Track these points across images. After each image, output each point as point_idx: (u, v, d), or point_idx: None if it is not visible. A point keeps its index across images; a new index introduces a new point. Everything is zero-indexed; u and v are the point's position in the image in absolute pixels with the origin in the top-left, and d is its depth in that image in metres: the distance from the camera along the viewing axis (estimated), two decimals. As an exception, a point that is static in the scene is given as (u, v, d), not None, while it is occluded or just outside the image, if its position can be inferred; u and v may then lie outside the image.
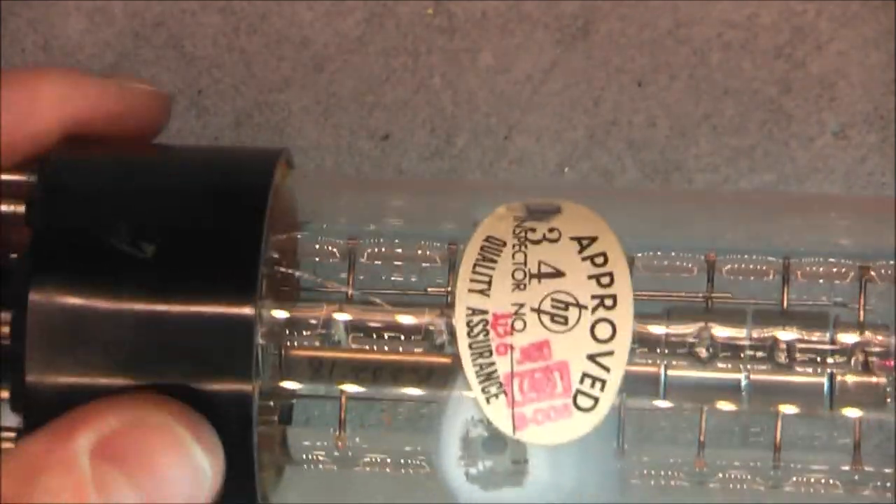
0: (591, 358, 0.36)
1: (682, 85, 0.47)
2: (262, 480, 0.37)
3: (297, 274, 0.39)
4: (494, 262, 0.36)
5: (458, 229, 0.38)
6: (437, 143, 0.48)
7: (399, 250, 0.39)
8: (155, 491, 0.34)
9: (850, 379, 0.37)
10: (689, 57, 0.47)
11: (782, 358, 0.37)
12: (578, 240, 0.37)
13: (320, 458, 0.39)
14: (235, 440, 0.36)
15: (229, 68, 0.48)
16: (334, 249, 0.39)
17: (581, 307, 0.36)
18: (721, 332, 0.38)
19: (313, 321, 0.38)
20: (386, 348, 0.38)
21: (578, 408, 0.36)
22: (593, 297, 0.36)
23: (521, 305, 0.36)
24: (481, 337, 0.36)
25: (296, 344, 0.38)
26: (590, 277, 0.36)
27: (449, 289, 0.38)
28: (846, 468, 0.38)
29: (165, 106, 0.40)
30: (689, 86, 0.47)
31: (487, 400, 0.36)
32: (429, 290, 0.39)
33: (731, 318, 0.38)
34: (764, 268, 0.38)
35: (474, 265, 0.36)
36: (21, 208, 0.37)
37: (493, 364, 0.36)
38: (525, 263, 0.36)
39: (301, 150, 0.48)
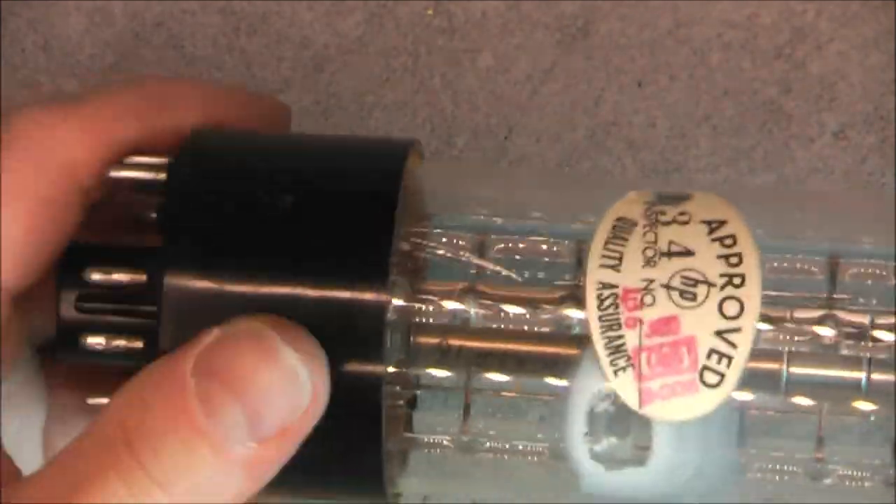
0: (719, 334, 0.36)
1: (682, 85, 0.47)
2: (389, 465, 0.37)
3: (427, 255, 0.39)
4: (625, 240, 0.37)
5: (586, 227, 0.39)
6: (437, 144, 0.48)
7: (528, 245, 0.39)
8: (253, 395, 0.35)
9: None
10: (689, 57, 0.47)
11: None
12: (708, 223, 0.37)
13: (445, 443, 0.39)
14: (364, 423, 0.36)
15: (229, 68, 0.48)
16: (462, 242, 0.39)
17: (710, 284, 0.36)
18: (846, 317, 0.38)
19: (443, 299, 0.38)
20: (513, 330, 0.38)
21: (705, 384, 0.36)
22: (722, 275, 0.36)
23: (651, 281, 0.36)
24: (611, 310, 0.36)
25: (424, 326, 0.38)
26: (719, 257, 0.37)
27: (577, 283, 0.38)
28: None
29: (286, 115, 0.42)
30: (689, 86, 0.47)
31: (615, 373, 0.36)
32: (556, 284, 0.39)
33: (853, 313, 0.38)
34: (885, 273, 0.39)
35: (606, 242, 0.37)
36: (162, 176, 0.38)
37: (621, 337, 0.36)
38: (655, 242, 0.37)
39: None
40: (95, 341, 0.38)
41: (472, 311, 0.38)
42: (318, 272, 0.36)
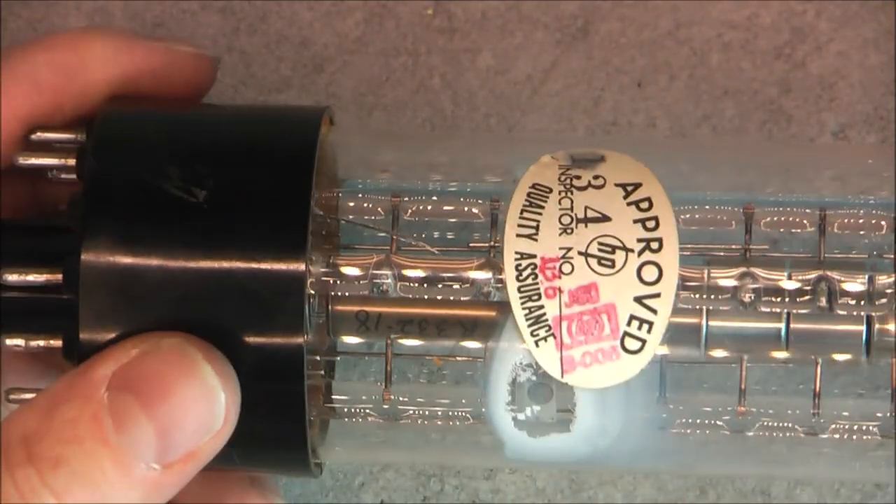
0: (639, 300, 0.36)
1: (682, 85, 0.47)
2: (309, 433, 0.37)
3: (344, 221, 0.39)
4: (541, 207, 0.37)
5: (499, 184, 0.39)
6: (437, 144, 0.48)
7: (441, 207, 0.39)
8: (168, 414, 0.34)
9: (890, 326, 0.38)
10: (689, 57, 0.47)
11: (823, 302, 0.37)
12: (623, 186, 0.37)
13: (367, 411, 0.39)
14: (285, 393, 0.36)
15: (229, 68, 0.48)
16: (376, 206, 0.39)
17: (627, 250, 0.36)
18: (763, 274, 0.38)
19: (360, 272, 0.38)
20: (431, 298, 0.38)
21: (626, 350, 0.36)
22: (639, 240, 0.37)
23: (569, 249, 0.36)
24: (530, 280, 0.36)
25: (342, 297, 0.38)
26: (635, 221, 0.37)
27: (492, 244, 0.38)
28: (883, 415, 0.39)
29: (211, 66, 0.41)
30: (689, 86, 0.47)
31: (536, 343, 0.36)
32: (471, 245, 0.39)
33: (770, 266, 0.38)
34: (800, 220, 0.39)
35: (521, 211, 0.37)
36: (71, 162, 0.38)
37: (541, 307, 0.36)
38: (571, 209, 0.37)
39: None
40: (14, 343, 0.37)
41: (390, 280, 0.38)
42: (236, 246, 0.36)
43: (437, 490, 0.47)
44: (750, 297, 0.38)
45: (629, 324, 0.36)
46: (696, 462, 0.41)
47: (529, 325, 0.36)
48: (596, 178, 0.37)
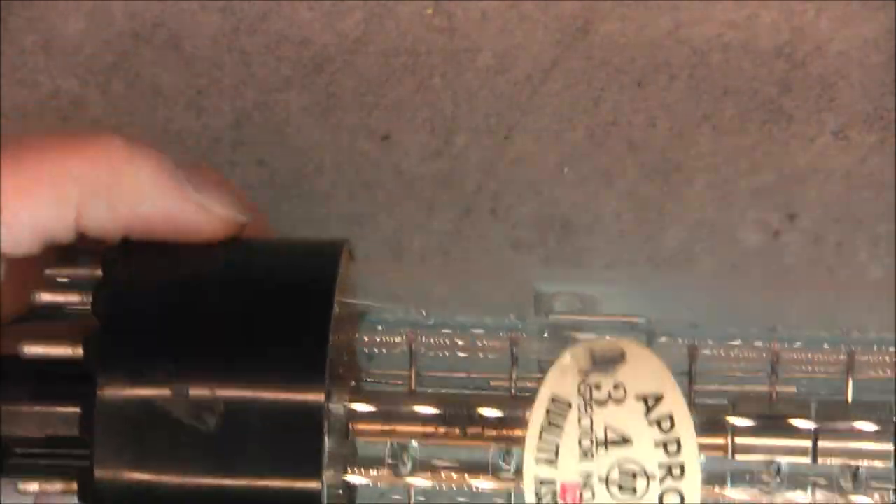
0: None
1: (682, 85, 0.47)
2: None
3: (361, 364, 0.39)
4: (560, 427, 0.37)
5: (518, 315, 0.39)
6: (437, 144, 0.48)
7: (459, 341, 0.39)
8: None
9: None
10: (689, 57, 0.47)
11: (847, 484, 0.37)
12: (644, 400, 0.37)
13: None
14: None
15: (229, 68, 0.48)
16: (393, 340, 0.39)
17: (649, 477, 0.36)
18: (786, 459, 0.38)
19: (380, 413, 0.38)
20: (454, 477, 0.38)
21: None
22: (661, 465, 0.36)
23: (590, 475, 0.36)
24: None
25: (363, 436, 0.38)
26: (657, 445, 0.36)
27: (511, 381, 0.38)
28: None
29: (238, 228, 0.38)
30: (689, 86, 0.47)
31: None
32: (492, 383, 0.39)
33: (795, 410, 0.38)
34: (827, 357, 0.38)
35: (541, 432, 0.37)
36: (88, 299, 0.37)
37: None
38: (591, 430, 0.36)
39: (301, 151, 0.48)
40: (30, 487, 0.37)
41: (409, 459, 0.38)
42: (255, 379, 0.35)
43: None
44: (774, 481, 0.38)
45: None
46: None
47: None
48: (616, 387, 0.37)
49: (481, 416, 0.38)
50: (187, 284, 0.37)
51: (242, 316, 0.36)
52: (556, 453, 0.36)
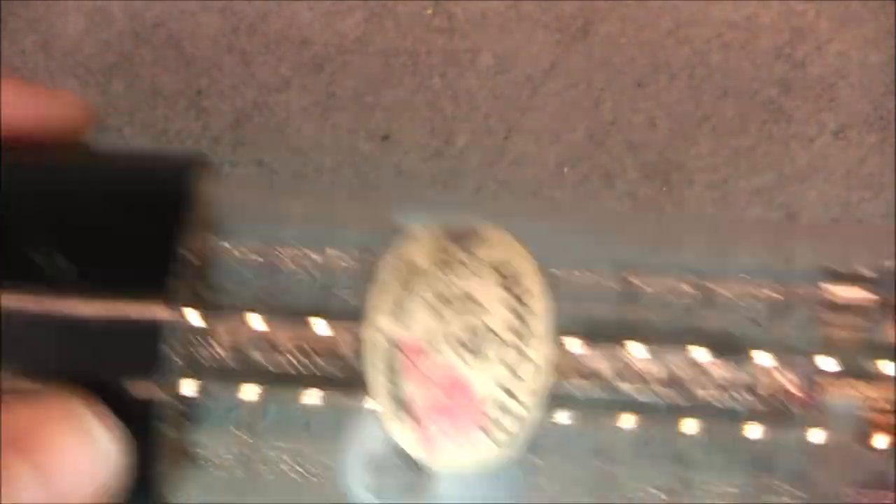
0: (507, 390, 0.35)
1: (682, 85, 0.47)
2: (166, 480, 0.37)
3: (212, 277, 0.39)
4: (410, 289, 0.36)
5: (373, 236, 0.38)
6: (437, 144, 0.48)
7: (314, 257, 0.39)
8: (57, 472, 0.34)
9: (762, 405, 0.37)
10: (689, 57, 0.47)
11: (696, 383, 0.37)
12: (498, 270, 0.36)
13: (224, 459, 0.39)
14: (143, 440, 0.36)
15: (229, 68, 0.48)
16: (247, 256, 0.39)
17: (499, 340, 0.36)
18: (636, 351, 0.37)
19: (226, 326, 0.38)
20: (296, 361, 0.38)
21: (490, 437, 0.35)
22: (511, 330, 0.36)
23: (436, 335, 0.36)
24: (394, 363, 0.36)
25: (207, 347, 0.38)
26: (509, 310, 0.36)
27: (364, 301, 0.37)
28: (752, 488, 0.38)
29: (87, 111, 0.40)
30: (689, 86, 0.47)
31: (398, 425, 0.36)
32: (343, 296, 0.38)
33: (646, 337, 0.37)
34: (681, 287, 0.38)
35: (389, 290, 0.36)
36: None
37: (404, 390, 0.35)
38: (442, 293, 0.36)
39: (301, 151, 0.48)
40: None
41: (256, 334, 0.38)
42: (103, 294, 0.36)
43: (437, 490, 0.47)
44: (620, 378, 0.37)
45: (494, 411, 0.35)
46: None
47: (390, 404, 0.36)
48: (470, 257, 0.36)
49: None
50: (39, 193, 0.37)
51: (92, 225, 0.37)
52: (404, 310, 0.36)
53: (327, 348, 0.37)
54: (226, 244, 0.39)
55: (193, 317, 0.37)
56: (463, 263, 0.36)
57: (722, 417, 0.37)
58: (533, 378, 0.35)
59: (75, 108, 0.40)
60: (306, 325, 0.37)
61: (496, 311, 0.36)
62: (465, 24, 0.47)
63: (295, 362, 0.38)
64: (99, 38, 0.48)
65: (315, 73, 0.48)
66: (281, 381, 0.38)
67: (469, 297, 0.36)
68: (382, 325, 0.36)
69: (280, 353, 0.38)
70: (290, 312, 0.37)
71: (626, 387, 0.37)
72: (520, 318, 0.36)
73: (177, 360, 0.36)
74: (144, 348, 0.36)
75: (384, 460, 0.37)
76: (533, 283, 0.36)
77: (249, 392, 0.38)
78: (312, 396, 0.38)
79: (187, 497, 0.39)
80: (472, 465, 0.36)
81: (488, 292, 0.36)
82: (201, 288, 0.38)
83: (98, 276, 0.36)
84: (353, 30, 0.48)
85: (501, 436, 0.35)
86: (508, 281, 0.36)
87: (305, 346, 0.38)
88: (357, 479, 0.37)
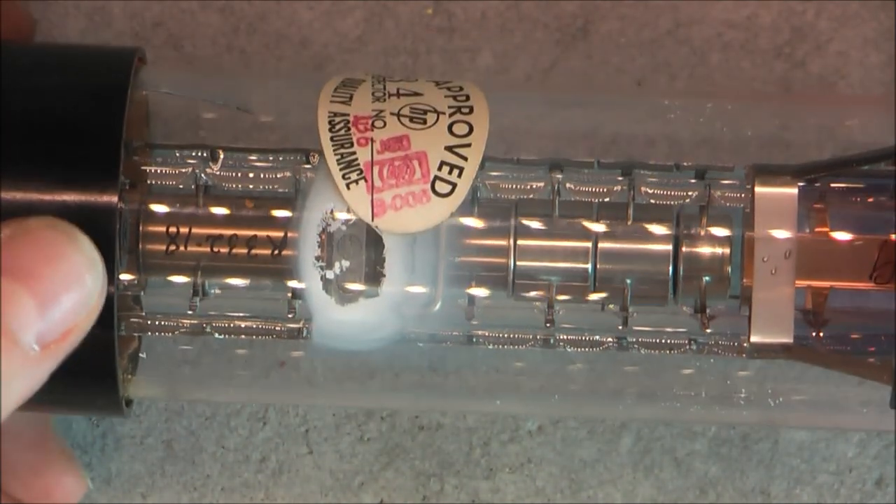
0: (449, 149, 0.38)
1: (682, 85, 0.47)
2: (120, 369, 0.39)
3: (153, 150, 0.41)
4: (354, 87, 0.39)
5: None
6: (436, 143, 0.48)
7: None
8: (48, 290, 0.34)
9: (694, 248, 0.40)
10: (689, 57, 0.47)
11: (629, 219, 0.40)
12: (437, 82, 0.40)
13: (178, 323, 0.40)
14: (97, 329, 0.37)
15: (229, 68, 0.48)
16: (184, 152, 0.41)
17: (439, 113, 0.39)
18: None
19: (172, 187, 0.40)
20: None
21: (437, 193, 0.38)
22: (451, 107, 0.39)
23: (382, 111, 0.39)
24: (342, 132, 0.38)
25: (151, 220, 0.40)
26: (447, 96, 0.39)
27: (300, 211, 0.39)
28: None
29: (29, 23, 0.42)
30: (689, 86, 0.47)
31: (348, 186, 0.38)
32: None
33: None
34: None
35: (335, 89, 0.39)
36: None
37: (353, 154, 0.38)
38: (384, 89, 0.39)
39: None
40: None
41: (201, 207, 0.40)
42: (48, 177, 0.37)
43: (437, 490, 0.47)
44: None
45: (440, 169, 0.38)
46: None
47: (342, 169, 0.38)
48: (409, 79, 0.40)
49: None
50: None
51: (38, 117, 0.38)
52: (350, 98, 0.39)
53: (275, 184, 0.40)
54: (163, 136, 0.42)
55: (135, 201, 0.39)
56: (402, 78, 0.41)
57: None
58: (473, 137, 0.39)
59: (19, 18, 0.42)
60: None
61: (436, 97, 0.39)
62: (465, 23, 0.47)
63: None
64: (99, 38, 0.48)
65: (315, 73, 0.48)
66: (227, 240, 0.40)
67: (410, 91, 0.39)
68: (332, 107, 0.39)
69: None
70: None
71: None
72: (458, 100, 0.39)
73: (122, 240, 0.38)
74: (94, 235, 0.37)
75: (334, 230, 0.39)
76: (470, 87, 0.40)
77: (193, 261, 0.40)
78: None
79: (140, 385, 0.41)
80: (419, 219, 0.38)
81: (428, 89, 0.40)
82: (141, 163, 0.40)
83: (45, 162, 0.37)
84: (353, 29, 0.48)
85: (445, 187, 0.38)
86: (447, 85, 0.40)
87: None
88: (309, 260, 0.39)
